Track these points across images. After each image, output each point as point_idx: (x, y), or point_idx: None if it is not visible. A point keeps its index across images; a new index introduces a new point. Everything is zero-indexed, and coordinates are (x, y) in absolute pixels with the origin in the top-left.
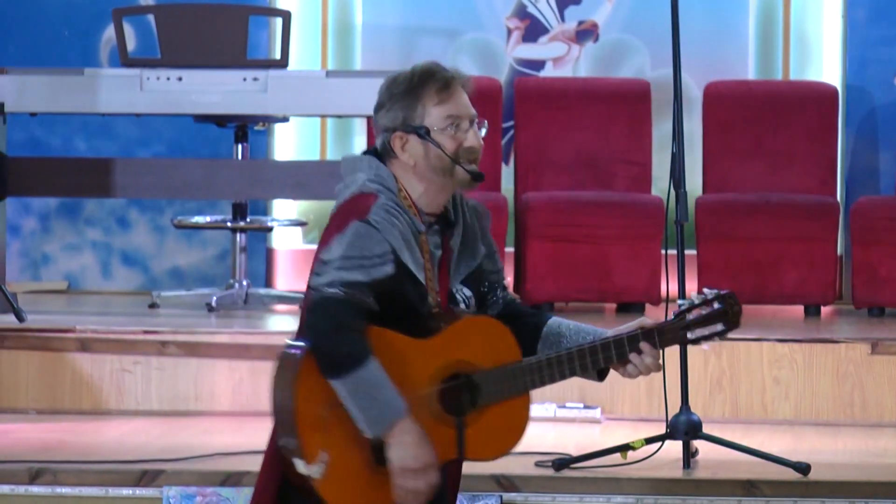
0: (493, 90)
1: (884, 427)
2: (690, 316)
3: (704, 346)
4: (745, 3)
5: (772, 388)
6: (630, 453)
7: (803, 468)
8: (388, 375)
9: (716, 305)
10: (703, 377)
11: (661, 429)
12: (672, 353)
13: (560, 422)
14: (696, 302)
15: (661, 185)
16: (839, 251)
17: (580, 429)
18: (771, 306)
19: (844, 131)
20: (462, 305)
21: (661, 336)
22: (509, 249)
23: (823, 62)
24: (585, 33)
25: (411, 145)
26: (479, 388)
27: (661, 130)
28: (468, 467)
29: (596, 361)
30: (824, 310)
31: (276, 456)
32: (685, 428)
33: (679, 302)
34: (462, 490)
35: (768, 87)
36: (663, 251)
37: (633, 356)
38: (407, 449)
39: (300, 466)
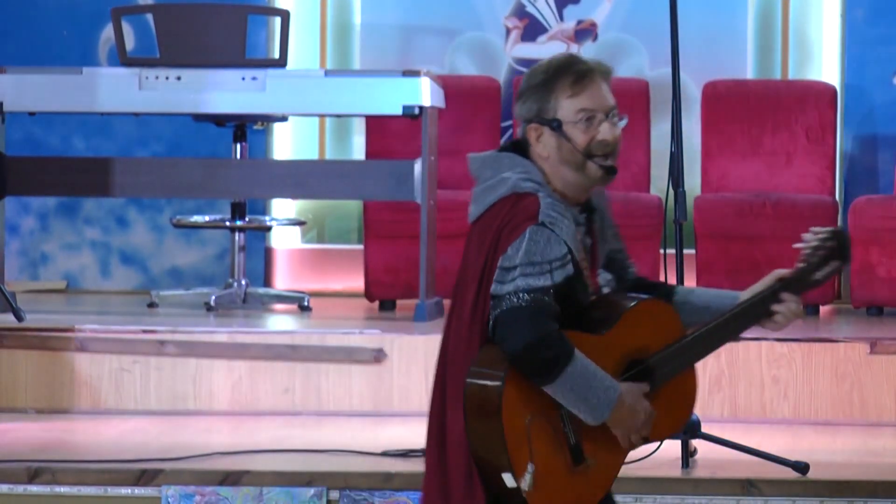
0: (491, 90)
1: (882, 426)
2: (813, 259)
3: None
4: (743, 2)
5: (770, 388)
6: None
7: (802, 467)
8: (592, 362)
9: (829, 244)
10: (701, 376)
11: None
12: None
13: None
14: (816, 245)
15: (659, 184)
16: None
17: None
18: None
19: (843, 131)
20: (605, 290)
21: (797, 284)
22: None
23: (822, 62)
24: (584, 33)
25: (545, 137)
26: (654, 372)
27: (660, 130)
28: None
29: (747, 322)
30: (823, 309)
31: (471, 474)
32: (684, 427)
33: (802, 245)
34: None
35: (767, 87)
36: (662, 250)
37: (777, 306)
38: (633, 412)
39: (509, 481)
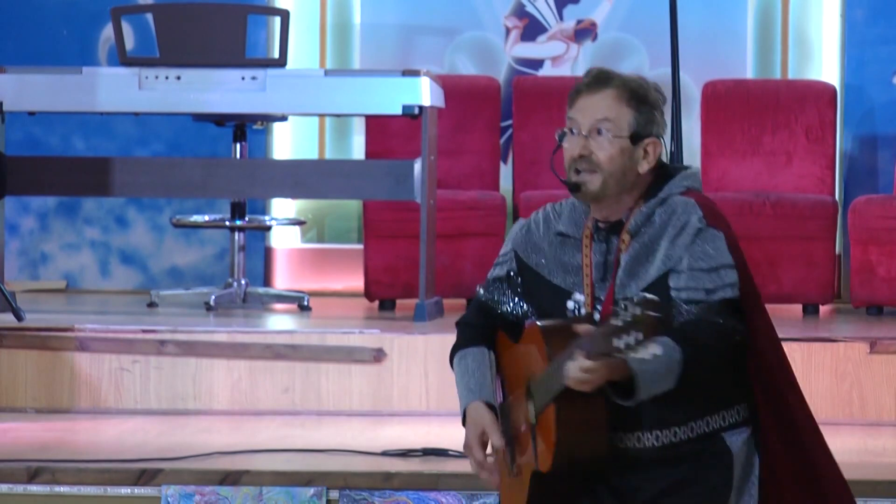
0: (491, 89)
1: (882, 426)
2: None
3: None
4: (743, 2)
5: None
6: None
7: None
8: (482, 370)
9: (636, 312)
10: None
11: None
12: None
13: None
14: (622, 308)
15: None
16: (837, 250)
17: None
18: (769, 305)
19: (843, 130)
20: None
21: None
22: None
23: (822, 61)
24: (584, 32)
25: None
26: (532, 395)
27: None
28: (466, 467)
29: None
30: (823, 309)
31: None
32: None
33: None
34: (459, 489)
35: (767, 87)
36: None
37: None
38: (468, 427)
39: None
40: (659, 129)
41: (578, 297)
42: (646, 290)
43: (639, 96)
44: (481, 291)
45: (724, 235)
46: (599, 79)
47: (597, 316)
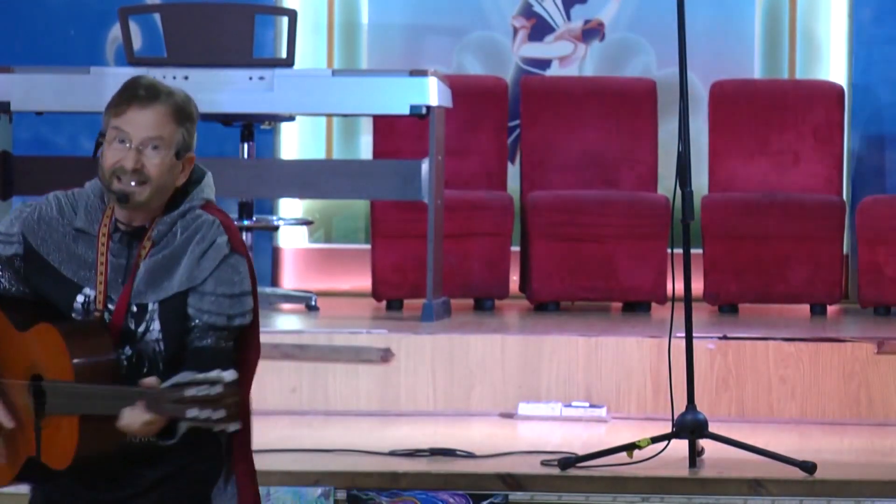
0: (498, 89)
1: (890, 426)
2: (190, 391)
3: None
4: (751, 1)
5: (778, 387)
6: (636, 452)
7: (809, 467)
8: None
9: (216, 389)
10: (709, 376)
11: (667, 428)
12: (678, 352)
13: (566, 421)
14: (199, 379)
15: (666, 183)
16: (845, 250)
17: (586, 428)
18: (777, 305)
19: (850, 130)
20: (144, 324)
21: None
22: (515, 248)
23: (830, 61)
24: (591, 32)
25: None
26: (45, 396)
27: (667, 129)
28: (474, 467)
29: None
30: (830, 309)
31: None
32: (691, 427)
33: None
34: (467, 489)
35: (774, 86)
36: (669, 250)
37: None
38: None
39: None
40: (194, 143)
41: (89, 292)
42: (164, 301)
43: (186, 113)
44: None
45: (246, 260)
46: (151, 93)
47: (108, 316)
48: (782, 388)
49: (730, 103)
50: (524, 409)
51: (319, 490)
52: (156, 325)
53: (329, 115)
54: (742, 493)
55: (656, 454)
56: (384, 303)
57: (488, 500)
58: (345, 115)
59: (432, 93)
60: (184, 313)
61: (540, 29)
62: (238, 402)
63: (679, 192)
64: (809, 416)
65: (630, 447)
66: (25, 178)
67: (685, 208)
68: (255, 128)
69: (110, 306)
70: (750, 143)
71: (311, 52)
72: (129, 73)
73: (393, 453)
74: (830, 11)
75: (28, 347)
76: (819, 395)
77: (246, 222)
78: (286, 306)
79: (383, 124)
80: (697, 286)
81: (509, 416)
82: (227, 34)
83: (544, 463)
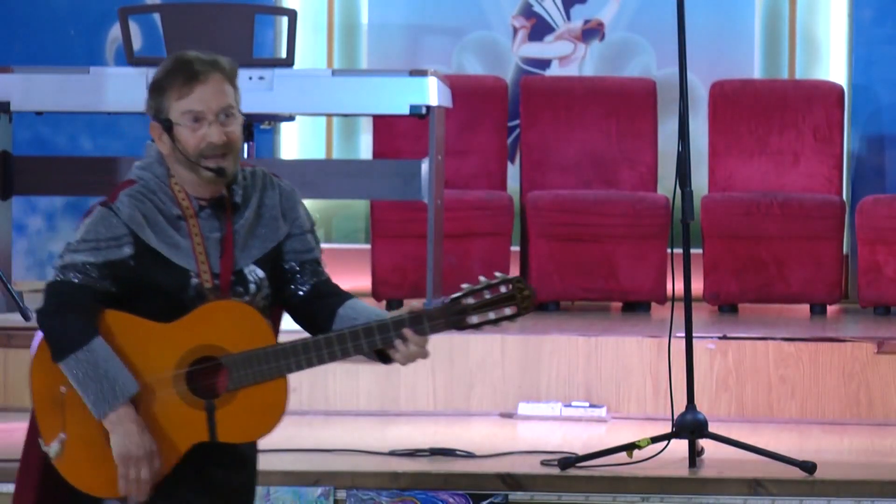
0: (498, 89)
1: (890, 426)
2: (469, 300)
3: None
4: (751, 1)
5: (778, 387)
6: (636, 452)
7: (809, 467)
8: (117, 359)
9: (502, 290)
10: (708, 376)
11: (666, 428)
12: (677, 352)
13: (566, 420)
14: (478, 287)
15: (666, 183)
16: (845, 250)
17: (586, 427)
18: (777, 305)
19: (850, 130)
20: (252, 286)
21: (430, 321)
22: (515, 248)
23: (830, 61)
24: (591, 32)
25: (164, 137)
26: (227, 371)
27: (667, 129)
28: (474, 466)
29: (359, 346)
30: (830, 309)
31: (33, 433)
32: (691, 427)
33: (462, 286)
34: (467, 488)
35: (774, 86)
36: (669, 250)
37: (397, 342)
38: (126, 437)
39: (42, 446)
40: None
41: (195, 272)
42: (260, 260)
43: (235, 72)
44: (83, 275)
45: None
46: (205, 66)
47: (209, 292)
48: (782, 388)
49: (730, 103)
50: (524, 409)
51: (319, 490)
52: (264, 284)
53: (329, 115)
54: (742, 493)
55: (656, 454)
56: (384, 303)
57: (488, 500)
58: (345, 115)
59: (432, 93)
60: (277, 265)
61: (540, 29)
62: (534, 293)
63: (679, 192)
64: (809, 416)
65: (630, 447)
66: (25, 178)
67: (685, 208)
68: (254, 127)
69: (216, 281)
70: (750, 142)
71: (311, 52)
72: (128, 73)
73: (393, 453)
74: (830, 11)
75: (186, 334)
76: (819, 395)
77: None
78: None
79: (383, 124)
80: (697, 286)
81: (509, 416)
82: (227, 34)
83: (544, 463)
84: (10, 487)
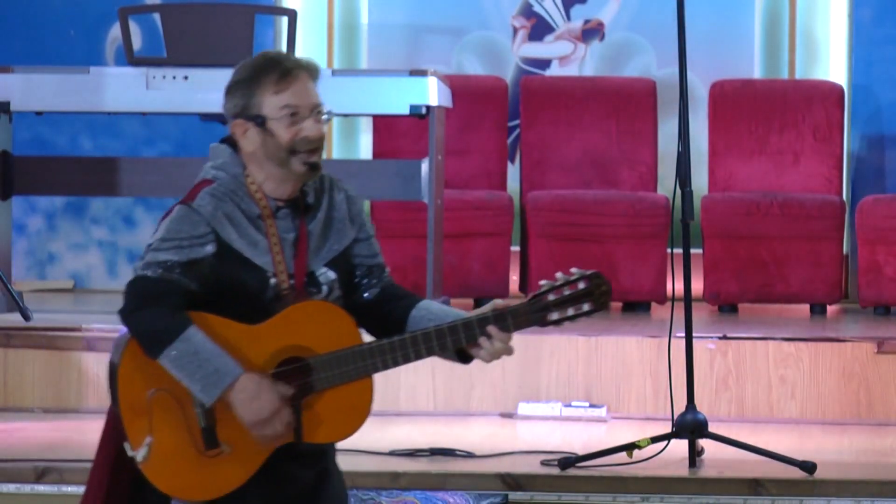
0: (498, 89)
1: (890, 426)
2: (550, 297)
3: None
4: (751, 2)
5: (778, 387)
6: (636, 452)
7: (809, 467)
8: (215, 344)
9: (580, 286)
10: (708, 376)
11: (666, 428)
12: (677, 352)
13: (566, 421)
14: (558, 283)
15: (666, 183)
16: (845, 250)
17: (586, 428)
18: (777, 305)
19: (850, 130)
20: (325, 288)
21: (514, 318)
22: (515, 248)
23: (829, 61)
24: (591, 32)
25: (251, 133)
26: (312, 372)
27: (667, 129)
28: (474, 466)
29: (443, 345)
30: (830, 309)
31: (113, 434)
32: (691, 427)
33: (541, 283)
34: (466, 488)
35: (774, 86)
36: (669, 250)
37: (482, 340)
38: (253, 401)
39: (128, 450)
40: None
41: (273, 272)
42: (335, 259)
43: (318, 75)
44: (168, 273)
45: None
46: (295, 64)
47: (286, 292)
48: (782, 388)
49: (730, 103)
50: (524, 409)
51: None
52: (335, 286)
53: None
54: (742, 493)
55: (656, 454)
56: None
57: (488, 500)
58: (345, 115)
59: (432, 93)
60: (347, 267)
61: (540, 29)
62: (611, 288)
63: (679, 192)
64: (809, 416)
65: (630, 447)
66: (25, 177)
67: (685, 208)
68: None
69: (291, 282)
70: (750, 142)
71: (310, 52)
72: (128, 73)
73: (393, 453)
74: (830, 11)
75: (274, 335)
76: (819, 395)
77: None
78: None
79: (383, 124)
80: (697, 286)
81: (509, 416)
82: (227, 34)
83: (544, 463)
84: (9, 487)
